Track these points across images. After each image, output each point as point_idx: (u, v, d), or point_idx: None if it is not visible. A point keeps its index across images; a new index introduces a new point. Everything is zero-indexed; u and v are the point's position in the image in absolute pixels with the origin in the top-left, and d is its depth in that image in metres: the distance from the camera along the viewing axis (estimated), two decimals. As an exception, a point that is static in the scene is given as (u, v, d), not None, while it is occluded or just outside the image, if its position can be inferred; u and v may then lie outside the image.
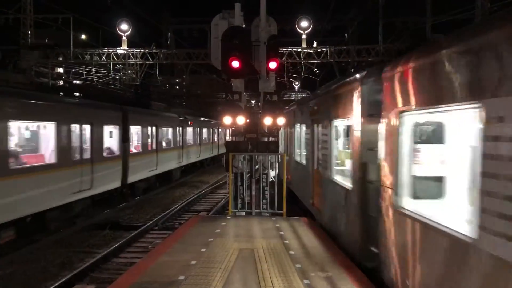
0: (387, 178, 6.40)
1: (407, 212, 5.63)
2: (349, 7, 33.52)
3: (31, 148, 13.64)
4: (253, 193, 12.06)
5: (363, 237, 7.54)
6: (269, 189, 12.11)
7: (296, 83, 45.27)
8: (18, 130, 12.86)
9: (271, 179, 12.45)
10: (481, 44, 4.17)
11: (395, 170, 6.03)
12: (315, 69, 32.89)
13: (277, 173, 13.26)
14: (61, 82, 28.92)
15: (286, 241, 9.00)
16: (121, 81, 30.54)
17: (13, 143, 12.22)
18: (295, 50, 26.28)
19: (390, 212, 6.24)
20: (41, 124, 13.57)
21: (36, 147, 13.75)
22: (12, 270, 10.67)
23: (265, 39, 12.27)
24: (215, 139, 41.16)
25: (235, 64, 10.95)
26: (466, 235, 4.21)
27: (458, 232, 4.37)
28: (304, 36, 26.27)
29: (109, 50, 27.19)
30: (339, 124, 9.62)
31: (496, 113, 3.81)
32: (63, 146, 14.01)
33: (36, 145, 13.78)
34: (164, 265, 7.36)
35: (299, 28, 26.38)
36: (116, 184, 18.13)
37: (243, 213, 11.98)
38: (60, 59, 27.57)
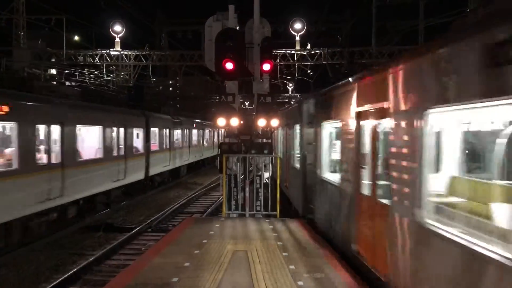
0: (317, 161, 10.77)
1: (325, 180, 9.87)
2: (343, 10, 33.68)
3: (88, 146, 16.78)
4: (247, 194, 12.06)
5: (304, 198, 11.91)
6: (262, 191, 12.12)
7: (290, 85, 45.35)
8: (80, 133, 15.80)
9: (264, 181, 12.48)
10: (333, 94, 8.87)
11: (319, 156, 10.50)
12: (309, 71, 32.99)
13: (270, 174, 13.28)
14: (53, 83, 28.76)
15: (280, 242, 9.01)
16: (114, 82, 30.45)
17: (78, 142, 15.49)
18: (289, 52, 26.35)
19: (318, 181, 10.55)
20: (93, 127, 16.97)
21: (90, 146, 16.92)
22: (5, 272, 10.60)
23: (258, 41, 12.31)
24: (215, 139, 42.43)
25: (229, 65, 10.97)
26: (335, 184, 8.88)
27: (335, 183, 8.91)
28: (297, 38, 26.36)
29: (102, 51, 27.12)
30: (297, 128, 13.28)
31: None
32: (107, 145, 17.49)
33: (90, 143, 16.90)
34: (158, 267, 7.35)
35: (292, 30, 26.46)
36: (141, 176, 21.53)
37: (237, 215, 11.98)
38: (53, 60, 27.45)
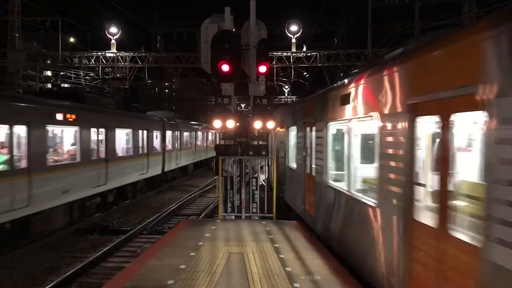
0: (286, 155, 14.75)
1: (291, 167, 13.74)
2: (339, 12, 33.75)
3: (122, 145, 20.42)
4: (243, 196, 12.05)
5: (277, 181, 14.47)
6: (258, 193, 12.11)
7: (286, 87, 45.41)
8: (117, 134, 19.19)
9: (260, 183, 12.47)
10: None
11: (287, 151, 14.63)
12: (305, 73, 33.06)
13: (267, 176, 13.28)
14: (49, 85, 28.70)
15: (276, 245, 9.00)
16: (110, 84, 30.39)
17: (116, 142, 19.18)
18: (285, 54, 26.39)
19: (286, 168, 14.71)
20: (125, 130, 20.70)
21: (124, 145, 20.67)
22: (-2, 275, 10.53)
23: (255, 43, 12.31)
24: (216, 141, 42.95)
25: (225, 68, 10.97)
26: (293, 168, 13.17)
27: (294, 168, 13.06)
28: (293, 40, 26.42)
29: (98, 53, 27.08)
30: (279, 130, 16.54)
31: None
32: (135, 144, 21.43)
33: (123, 143, 20.57)
34: (153, 269, 7.32)
35: (288, 32, 26.52)
36: (159, 171, 25.37)
37: (233, 217, 11.96)
38: (48, 62, 27.37)
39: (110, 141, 18.09)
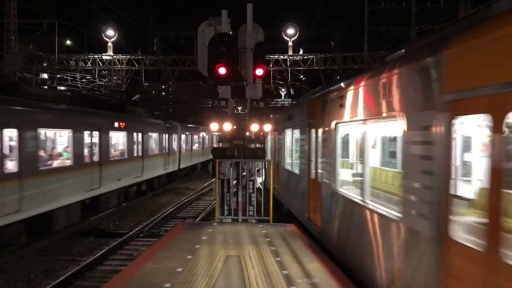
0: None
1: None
2: (336, 16, 33.86)
3: (152, 146, 25.56)
4: (240, 199, 12.03)
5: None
6: (255, 195, 12.10)
7: (283, 90, 45.46)
8: (149, 137, 24.52)
9: (257, 186, 12.45)
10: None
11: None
12: (302, 76, 33.11)
13: (264, 179, 13.27)
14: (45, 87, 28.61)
15: (273, 248, 8.99)
16: (106, 87, 30.35)
17: (148, 143, 24.46)
18: (282, 57, 26.43)
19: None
20: (154, 134, 25.60)
21: (153, 145, 25.70)
22: (-6, 278, 10.47)
23: (251, 46, 12.32)
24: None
25: (222, 70, 10.97)
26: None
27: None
28: (290, 44, 26.45)
29: (95, 56, 27.03)
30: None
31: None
32: (160, 145, 26.63)
33: (153, 144, 25.67)
34: (150, 273, 7.30)
35: (285, 36, 26.56)
36: (176, 167, 30.60)
37: (230, 220, 11.94)
38: (45, 64, 27.30)
39: (145, 142, 23.66)
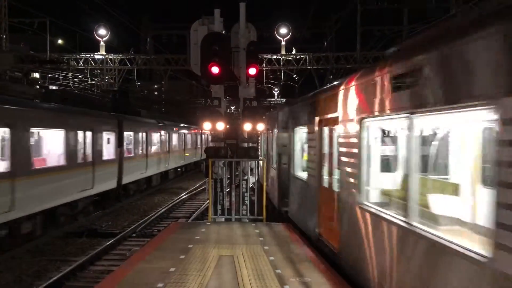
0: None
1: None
2: (328, 15, 33.95)
3: (175, 144, 31.88)
4: (233, 199, 12.02)
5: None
6: (248, 195, 12.10)
7: (276, 89, 45.49)
8: (167, 136, 29.69)
9: (250, 185, 12.45)
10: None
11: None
12: (294, 76, 33.15)
13: (257, 178, 13.26)
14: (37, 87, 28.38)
15: (266, 247, 8.99)
16: (98, 86, 30.19)
17: (171, 141, 30.75)
18: (275, 56, 26.44)
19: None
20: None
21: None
22: (-15, 279, 10.38)
23: (244, 45, 12.32)
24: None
25: (215, 70, 10.96)
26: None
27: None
28: (283, 43, 26.47)
29: (87, 55, 26.88)
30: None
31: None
32: (175, 144, 32.12)
33: (175, 142, 31.96)
34: (143, 273, 7.27)
35: (278, 35, 26.58)
36: (182, 163, 34.65)
37: (223, 219, 11.93)
38: (36, 64, 27.07)
39: (169, 140, 30.14)
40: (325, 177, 9.01)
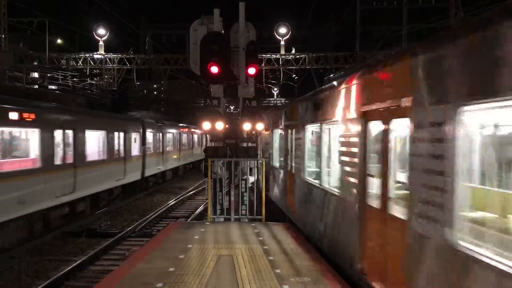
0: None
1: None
2: (328, 15, 33.96)
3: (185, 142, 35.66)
4: (232, 198, 12.01)
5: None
6: (248, 195, 12.09)
7: (275, 89, 45.50)
8: (183, 135, 34.50)
9: (250, 185, 12.44)
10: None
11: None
12: (294, 75, 33.15)
13: (256, 178, 13.24)
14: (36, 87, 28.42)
15: (266, 247, 8.98)
16: (98, 86, 30.17)
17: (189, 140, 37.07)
18: (274, 56, 26.43)
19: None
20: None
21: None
22: (-16, 279, 10.37)
23: (244, 45, 12.31)
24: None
25: (214, 69, 10.95)
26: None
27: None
28: (282, 43, 26.46)
29: (86, 55, 26.84)
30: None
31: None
32: (184, 143, 35.49)
33: (186, 141, 36.00)
34: (142, 272, 7.26)
35: (277, 35, 26.56)
36: (191, 160, 37.82)
37: (222, 219, 11.92)
38: (35, 63, 27.05)
39: (181, 140, 34.02)
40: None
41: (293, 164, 11.68)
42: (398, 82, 5.49)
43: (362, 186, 6.61)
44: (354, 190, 6.86)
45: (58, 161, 14.55)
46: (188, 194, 24.87)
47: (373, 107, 6.24)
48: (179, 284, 6.70)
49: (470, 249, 3.71)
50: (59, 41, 35.45)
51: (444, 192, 4.18)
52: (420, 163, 4.78)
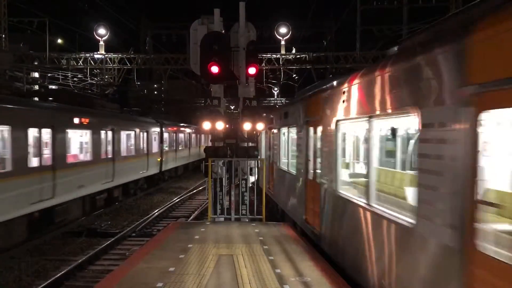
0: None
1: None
2: (328, 15, 33.94)
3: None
4: (233, 198, 12.01)
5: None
6: (248, 194, 12.08)
7: (276, 89, 45.48)
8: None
9: (250, 185, 12.43)
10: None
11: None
12: (294, 75, 33.15)
13: (256, 178, 13.23)
14: (36, 87, 28.41)
15: (266, 246, 8.97)
16: (98, 86, 30.15)
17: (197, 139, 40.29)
18: (274, 56, 26.43)
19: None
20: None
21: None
22: (-16, 279, 10.37)
23: (244, 44, 12.29)
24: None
25: (214, 69, 10.94)
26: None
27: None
28: (283, 43, 26.46)
29: (86, 54, 26.84)
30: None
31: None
32: (193, 141, 38.01)
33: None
34: (142, 272, 7.25)
35: (278, 34, 26.57)
36: (198, 158, 38.12)
37: (222, 219, 11.91)
38: (36, 63, 27.05)
39: (190, 139, 36.66)
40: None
41: (273, 158, 15.91)
42: (316, 105, 9.15)
43: (305, 168, 10.28)
44: (302, 170, 10.55)
45: (103, 155, 18.49)
46: (188, 194, 24.87)
47: (308, 119, 10.18)
48: (179, 284, 6.70)
49: (344, 194, 7.52)
50: (59, 41, 35.46)
51: (332, 168, 8.00)
52: (324, 153, 8.63)
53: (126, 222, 17.16)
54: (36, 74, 30.43)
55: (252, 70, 11.95)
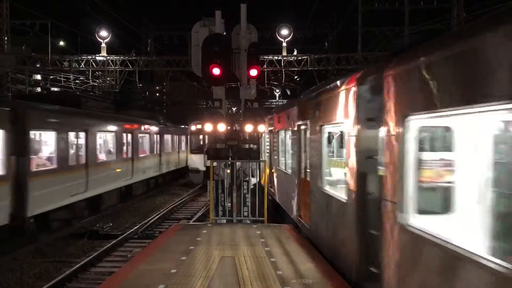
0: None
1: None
2: (329, 16, 33.97)
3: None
4: (234, 200, 12.01)
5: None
6: (250, 196, 12.09)
7: (277, 90, 45.50)
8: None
9: (252, 186, 12.43)
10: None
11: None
12: (296, 77, 33.17)
13: (258, 180, 13.22)
14: (39, 89, 28.51)
15: (267, 248, 8.98)
16: (100, 88, 30.22)
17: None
18: (276, 58, 26.44)
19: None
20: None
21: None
22: (-14, 281, 10.39)
23: (245, 46, 12.31)
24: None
25: (216, 71, 10.96)
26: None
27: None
28: (284, 44, 26.47)
29: (88, 56, 26.90)
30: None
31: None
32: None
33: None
34: (144, 274, 7.26)
35: (279, 36, 26.58)
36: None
37: (224, 221, 11.92)
38: (38, 65, 27.13)
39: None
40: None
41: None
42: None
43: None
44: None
45: (148, 152, 24.11)
46: (189, 197, 24.87)
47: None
48: (181, 285, 6.70)
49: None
50: (61, 43, 35.54)
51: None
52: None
53: (128, 224, 17.17)
54: (38, 76, 30.52)
55: (253, 72, 11.97)
